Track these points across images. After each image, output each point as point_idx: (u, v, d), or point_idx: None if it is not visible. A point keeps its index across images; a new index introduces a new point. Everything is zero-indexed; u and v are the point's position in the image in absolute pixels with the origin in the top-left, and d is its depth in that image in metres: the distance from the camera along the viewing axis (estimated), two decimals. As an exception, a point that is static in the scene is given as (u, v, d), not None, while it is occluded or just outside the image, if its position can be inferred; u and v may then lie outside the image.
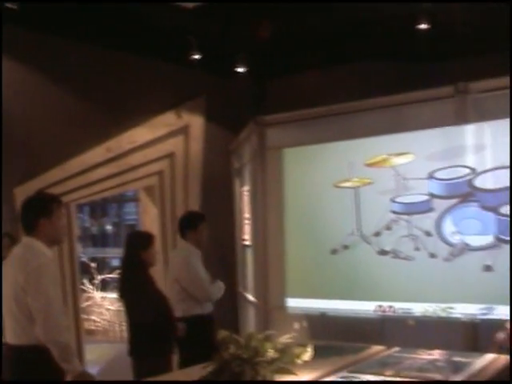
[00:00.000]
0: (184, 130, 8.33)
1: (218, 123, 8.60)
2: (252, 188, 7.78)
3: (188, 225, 5.90)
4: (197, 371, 3.19)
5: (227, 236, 8.64)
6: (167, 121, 8.12)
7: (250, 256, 7.99)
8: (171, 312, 5.49)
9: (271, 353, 3.03)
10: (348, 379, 3.64)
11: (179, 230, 5.95)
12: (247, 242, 8.05)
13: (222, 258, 8.38)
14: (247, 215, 8.07)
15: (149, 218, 8.41)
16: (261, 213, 7.41)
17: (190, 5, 6.28)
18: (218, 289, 5.89)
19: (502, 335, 4.47)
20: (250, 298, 7.74)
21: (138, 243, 5.46)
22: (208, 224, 6.00)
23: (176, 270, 5.87)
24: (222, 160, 8.72)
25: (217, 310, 5.96)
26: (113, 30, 6.89)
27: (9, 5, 5.79)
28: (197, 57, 7.31)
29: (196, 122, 8.42)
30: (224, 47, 7.48)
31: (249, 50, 7.60)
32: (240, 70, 7.87)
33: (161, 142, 8.07)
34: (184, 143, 8.35)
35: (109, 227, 23.01)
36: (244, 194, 8.26)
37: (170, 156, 8.21)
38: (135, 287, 5.33)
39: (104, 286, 12.67)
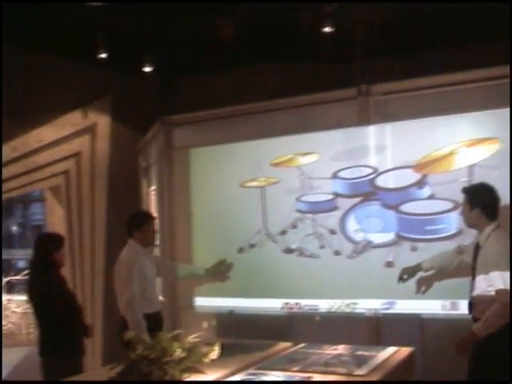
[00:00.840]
0: (90, 129, 8.25)
1: (124, 122, 8.54)
2: (159, 188, 7.77)
3: (134, 224, 5.83)
4: (105, 372, 3.20)
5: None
6: (73, 120, 8.03)
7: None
8: (82, 312, 5.48)
9: (179, 352, 3.07)
10: (256, 376, 3.72)
11: (126, 229, 5.87)
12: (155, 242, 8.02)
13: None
14: (154, 215, 8.04)
15: (55, 218, 8.31)
16: (167, 213, 7.41)
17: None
18: (140, 326, 5.38)
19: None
20: (159, 297, 7.72)
21: (49, 244, 5.44)
22: (154, 223, 6.04)
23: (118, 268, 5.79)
24: (129, 159, 8.64)
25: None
26: (17, 27, 6.76)
27: None
28: (104, 55, 7.26)
29: (103, 121, 8.35)
30: (131, 46, 7.46)
31: (156, 49, 7.59)
32: (147, 68, 7.85)
33: (67, 142, 7.98)
34: (90, 142, 8.26)
35: (14, 228, 22.57)
36: (151, 194, 8.23)
37: (77, 155, 8.13)
38: (47, 288, 5.29)
39: (10, 289, 12.44)
